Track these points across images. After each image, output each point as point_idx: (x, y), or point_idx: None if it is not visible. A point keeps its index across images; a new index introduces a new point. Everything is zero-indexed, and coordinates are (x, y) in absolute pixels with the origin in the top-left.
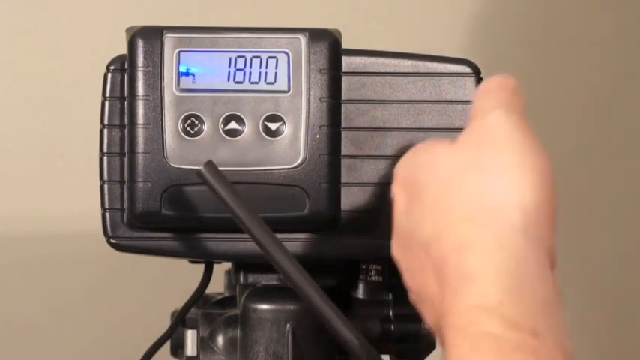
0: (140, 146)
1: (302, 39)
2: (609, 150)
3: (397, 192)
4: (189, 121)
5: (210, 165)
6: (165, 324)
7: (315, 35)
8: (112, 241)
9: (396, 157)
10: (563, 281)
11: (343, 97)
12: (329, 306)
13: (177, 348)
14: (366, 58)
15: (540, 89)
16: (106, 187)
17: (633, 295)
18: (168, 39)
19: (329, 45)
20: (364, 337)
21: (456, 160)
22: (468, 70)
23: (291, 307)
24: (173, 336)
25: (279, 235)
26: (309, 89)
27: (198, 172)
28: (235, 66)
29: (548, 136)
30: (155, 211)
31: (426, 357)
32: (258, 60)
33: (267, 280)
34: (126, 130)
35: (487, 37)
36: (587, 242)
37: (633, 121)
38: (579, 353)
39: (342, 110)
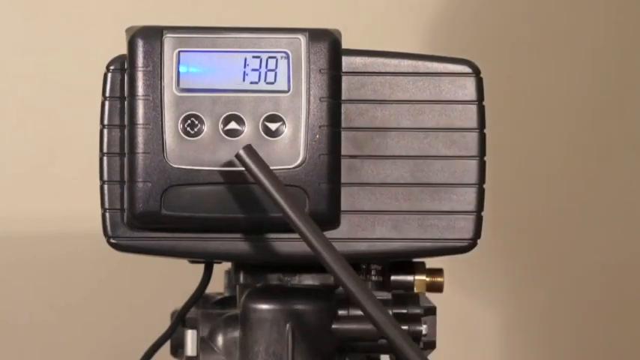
0: (140, 146)
1: (302, 39)
2: (605, 150)
3: None
4: (189, 121)
5: (249, 148)
6: (165, 324)
7: (315, 35)
8: (112, 241)
9: (396, 157)
10: (560, 281)
11: (343, 97)
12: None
13: (177, 348)
14: (366, 58)
15: (538, 89)
16: (106, 187)
17: (631, 296)
18: (168, 39)
19: (329, 45)
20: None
21: None
22: (468, 70)
23: (291, 307)
24: (173, 336)
25: (279, 235)
26: (309, 89)
27: (237, 154)
28: (235, 66)
29: (545, 136)
30: (155, 211)
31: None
32: (258, 60)
33: (267, 280)
34: (126, 130)
35: (487, 38)
36: (584, 242)
37: (629, 122)
38: (577, 355)
39: (342, 110)
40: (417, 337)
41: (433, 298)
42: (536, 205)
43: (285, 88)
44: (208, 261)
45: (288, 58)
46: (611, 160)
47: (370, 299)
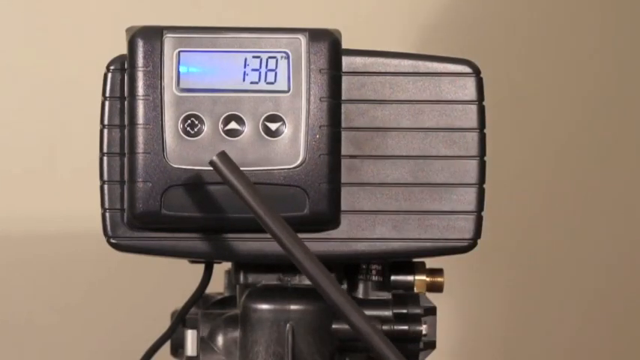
0: (140, 146)
1: (302, 39)
2: (605, 150)
3: None
4: (189, 121)
5: (223, 155)
6: (165, 324)
7: (315, 35)
8: (112, 241)
9: (396, 157)
10: (559, 280)
11: (343, 97)
12: (345, 298)
13: (177, 348)
14: (366, 58)
15: (538, 90)
16: (106, 187)
17: (630, 295)
18: (168, 39)
19: (329, 45)
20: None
21: None
22: (468, 70)
23: (291, 307)
24: (173, 336)
25: None
26: (309, 89)
27: (211, 161)
28: (235, 66)
29: (545, 136)
30: (155, 211)
31: (425, 357)
32: (258, 60)
33: (267, 280)
34: (126, 130)
35: (487, 38)
36: (584, 242)
37: (629, 122)
38: (576, 354)
39: (342, 110)
40: (417, 337)
41: (433, 298)
42: (536, 205)
43: (285, 88)
44: (208, 261)
45: (288, 58)
46: (611, 160)
47: (340, 294)
